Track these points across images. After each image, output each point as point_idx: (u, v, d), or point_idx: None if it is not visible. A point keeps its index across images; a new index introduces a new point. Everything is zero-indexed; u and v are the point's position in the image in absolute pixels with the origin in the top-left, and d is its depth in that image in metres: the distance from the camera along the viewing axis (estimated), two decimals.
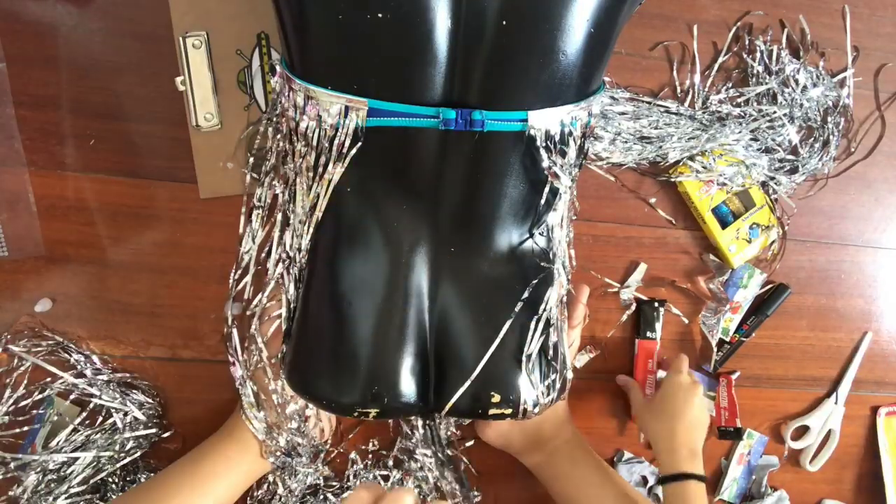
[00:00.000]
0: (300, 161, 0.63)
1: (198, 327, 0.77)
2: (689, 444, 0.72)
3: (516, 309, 0.64)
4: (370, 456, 0.81)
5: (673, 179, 0.81)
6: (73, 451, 0.71)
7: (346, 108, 0.57)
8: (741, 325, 0.86)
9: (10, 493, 0.71)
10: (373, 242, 0.64)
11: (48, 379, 0.73)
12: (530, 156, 0.61)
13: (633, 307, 0.83)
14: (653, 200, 0.83)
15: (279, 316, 0.73)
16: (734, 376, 0.86)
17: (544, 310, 0.66)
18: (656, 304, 0.83)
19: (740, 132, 0.80)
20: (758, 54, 0.82)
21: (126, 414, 0.73)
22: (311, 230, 0.66)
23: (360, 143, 0.59)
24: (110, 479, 0.74)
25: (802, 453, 0.90)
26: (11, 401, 0.72)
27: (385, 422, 0.81)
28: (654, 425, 0.75)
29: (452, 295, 0.64)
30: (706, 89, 0.82)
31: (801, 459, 0.90)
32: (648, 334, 0.83)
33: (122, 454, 0.73)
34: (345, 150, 0.60)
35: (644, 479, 0.86)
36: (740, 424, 0.84)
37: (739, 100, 0.83)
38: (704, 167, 0.80)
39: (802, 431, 0.89)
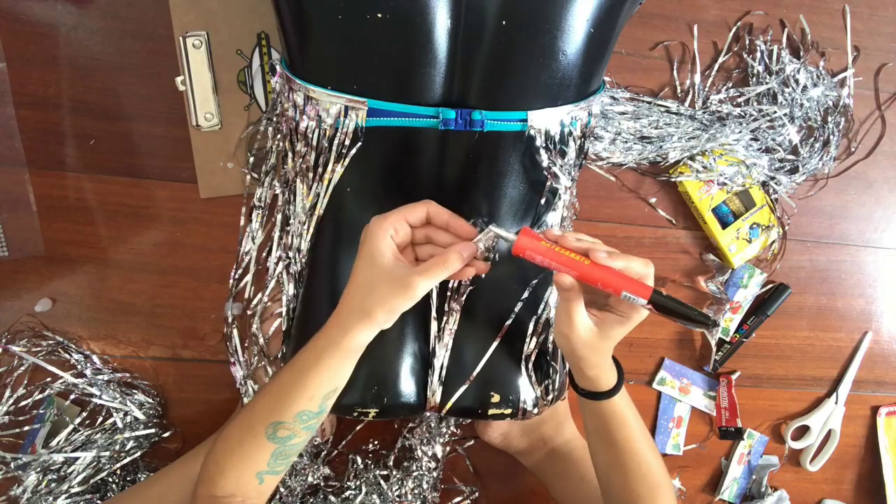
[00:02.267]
0: (300, 161, 0.63)
1: (198, 327, 0.77)
2: (610, 351, 0.59)
3: (516, 309, 0.64)
4: (370, 456, 0.81)
5: (673, 179, 0.81)
6: (74, 450, 0.71)
7: (346, 108, 0.57)
8: (741, 325, 0.86)
9: (11, 492, 0.71)
10: None
11: (48, 379, 0.73)
12: (530, 156, 0.60)
13: None
14: (653, 200, 0.83)
15: (279, 315, 0.73)
16: (734, 376, 0.86)
17: (544, 310, 0.66)
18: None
19: (740, 132, 0.80)
20: (758, 54, 0.82)
21: (126, 414, 0.73)
22: (312, 230, 0.66)
23: (359, 143, 0.59)
24: (110, 479, 0.74)
25: (803, 453, 0.90)
26: (11, 401, 0.73)
27: (385, 421, 0.81)
28: (600, 344, 0.56)
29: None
30: (706, 89, 0.82)
31: (801, 459, 0.90)
32: None
33: (123, 454, 0.73)
34: (345, 150, 0.60)
35: None
36: (741, 424, 0.84)
37: (740, 99, 0.83)
38: (705, 167, 0.80)
39: (803, 431, 0.89)
